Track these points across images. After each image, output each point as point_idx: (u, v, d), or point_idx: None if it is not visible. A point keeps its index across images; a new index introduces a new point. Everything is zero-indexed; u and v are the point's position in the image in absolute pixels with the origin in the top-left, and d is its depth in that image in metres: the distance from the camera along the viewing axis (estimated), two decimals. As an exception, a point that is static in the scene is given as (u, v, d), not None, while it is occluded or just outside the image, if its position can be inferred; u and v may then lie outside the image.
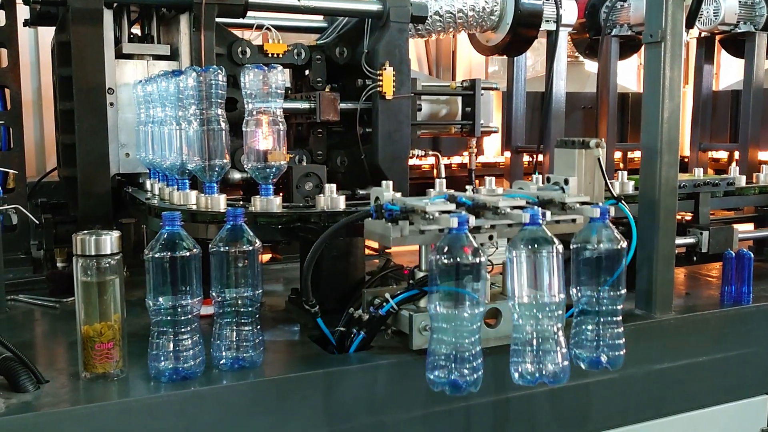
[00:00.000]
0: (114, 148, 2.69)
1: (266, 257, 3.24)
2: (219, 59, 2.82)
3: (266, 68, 2.12)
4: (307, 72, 3.10)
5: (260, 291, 1.80)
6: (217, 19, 2.74)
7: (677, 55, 2.16)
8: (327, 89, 2.91)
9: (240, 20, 2.95)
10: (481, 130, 3.16)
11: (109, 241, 1.69)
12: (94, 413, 1.59)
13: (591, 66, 5.06)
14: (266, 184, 2.14)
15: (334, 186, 2.21)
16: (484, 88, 3.24)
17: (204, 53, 2.77)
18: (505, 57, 4.34)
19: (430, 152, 3.47)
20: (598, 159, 2.14)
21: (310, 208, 2.15)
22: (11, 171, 2.62)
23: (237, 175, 2.81)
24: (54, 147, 3.19)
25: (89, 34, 2.60)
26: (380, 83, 2.75)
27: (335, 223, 1.99)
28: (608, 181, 2.17)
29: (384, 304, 1.87)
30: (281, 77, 2.13)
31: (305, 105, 2.84)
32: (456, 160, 4.27)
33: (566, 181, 2.10)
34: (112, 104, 2.68)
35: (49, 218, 2.81)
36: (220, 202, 2.15)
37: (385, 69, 2.75)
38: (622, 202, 2.20)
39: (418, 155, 3.68)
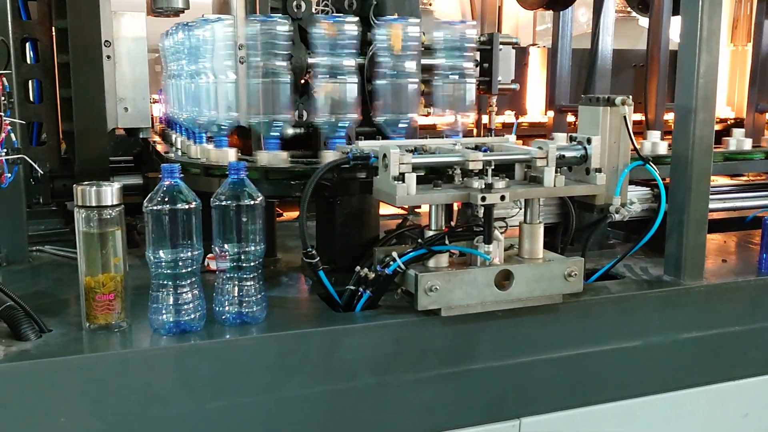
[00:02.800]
0: (111, 102, 2.67)
1: (294, 214, 3.22)
2: (273, 12, 2.76)
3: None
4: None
5: (262, 246, 1.77)
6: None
7: (717, 5, 2.01)
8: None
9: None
10: (498, 87, 3.02)
11: (110, 192, 1.68)
12: (91, 363, 1.60)
13: (644, 22, 4.82)
14: (273, 139, 2.09)
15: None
16: (502, 43, 3.09)
17: (258, 5, 2.70)
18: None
19: (448, 110, 3.35)
20: (624, 117, 2.02)
21: (319, 163, 2.10)
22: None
23: (290, 131, 2.78)
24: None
25: None
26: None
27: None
28: (634, 141, 2.05)
29: (391, 263, 1.82)
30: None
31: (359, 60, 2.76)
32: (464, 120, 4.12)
33: (589, 140, 1.99)
34: (109, 57, 2.65)
35: (47, 172, 2.82)
36: (228, 155, 2.12)
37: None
38: (650, 163, 2.08)
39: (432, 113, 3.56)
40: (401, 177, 1.78)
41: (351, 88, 2.11)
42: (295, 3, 2.78)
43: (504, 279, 1.86)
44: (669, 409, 2.14)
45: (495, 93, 3.01)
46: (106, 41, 2.60)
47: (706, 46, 2.02)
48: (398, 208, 3.35)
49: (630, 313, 2.06)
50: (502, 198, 1.79)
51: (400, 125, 2.17)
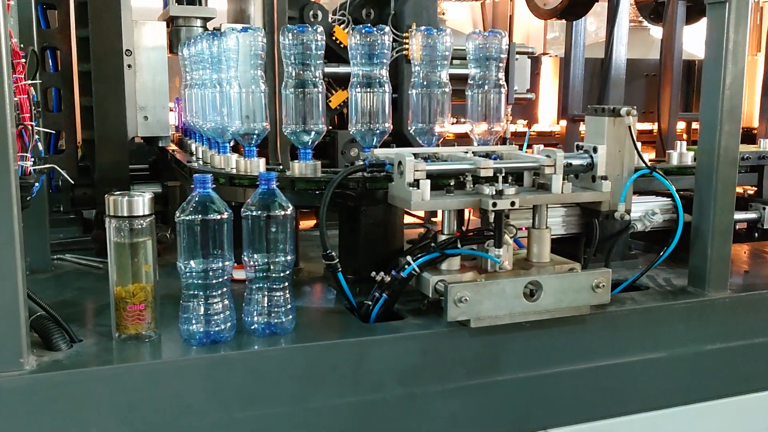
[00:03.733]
0: (132, 111, 2.68)
1: (311, 223, 3.22)
2: (291, 22, 2.78)
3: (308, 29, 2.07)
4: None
5: (292, 257, 1.77)
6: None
7: (743, 17, 2.02)
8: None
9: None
10: (515, 96, 3.04)
11: (142, 202, 1.68)
12: (122, 373, 1.60)
13: (656, 32, 4.84)
14: (305, 149, 2.10)
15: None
16: (519, 53, 3.12)
17: (276, 16, 2.72)
18: (564, 22, 4.19)
19: (462, 120, 3.37)
20: (629, 127, 2.07)
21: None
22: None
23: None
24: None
25: None
26: (406, 46, 2.67)
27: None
28: (639, 151, 2.10)
29: (406, 266, 1.86)
30: (320, 39, 2.07)
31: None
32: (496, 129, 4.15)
33: (595, 149, 2.05)
34: (130, 66, 2.67)
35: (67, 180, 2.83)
36: (259, 165, 2.13)
37: (411, 31, 2.66)
38: (657, 171, 2.11)
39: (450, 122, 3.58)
40: (416, 183, 1.84)
41: (384, 98, 2.12)
42: (312, 12, 2.80)
43: (531, 291, 1.86)
44: (693, 420, 2.14)
45: (511, 102, 3.03)
46: (127, 50, 2.62)
47: (732, 57, 2.03)
48: (414, 216, 3.37)
49: (655, 325, 2.06)
50: (512, 204, 1.85)
51: (431, 135, 2.19)
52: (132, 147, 2.82)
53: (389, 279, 1.88)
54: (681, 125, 4.52)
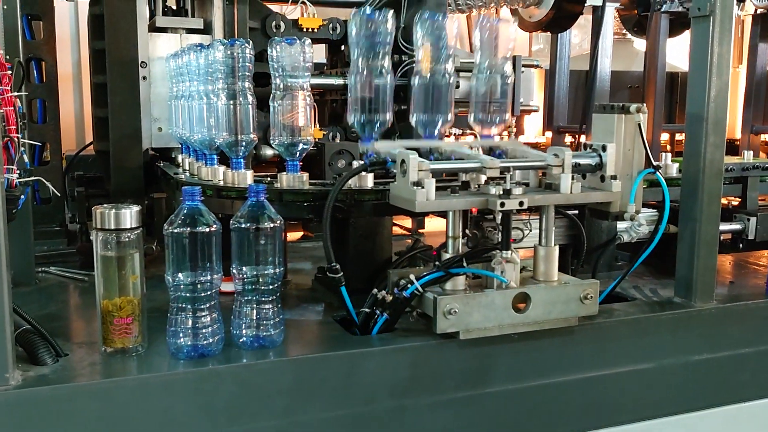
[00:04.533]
0: (147, 122, 2.69)
1: (297, 235, 3.22)
2: (252, 33, 2.78)
3: (295, 41, 2.07)
4: (342, 47, 3.04)
5: (281, 269, 1.76)
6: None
7: (727, 30, 2.04)
8: (362, 65, 2.84)
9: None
10: (520, 108, 3.06)
11: (129, 215, 1.67)
12: (109, 388, 1.58)
13: (639, 44, 4.88)
14: (293, 161, 2.09)
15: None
16: (524, 66, 3.15)
17: (237, 27, 2.74)
18: (549, 35, 4.22)
19: (468, 131, 3.39)
20: (639, 125, 2.04)
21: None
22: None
23: (269, 152, 2.77)
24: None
25: (123, 7, 2.60)
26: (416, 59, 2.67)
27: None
28: (648, 149, 2.07)
29: (408, 285, 1.82)
30: (308, 51, 2.07)
31: (339, 81, 2.77)
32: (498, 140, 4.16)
33: (604, 148, 1.99)
34: (144, 78, 2.67)
35: (82, 191, 2.83)
36: (246, 177, 2.12)
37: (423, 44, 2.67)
38: (659, 171, 2.10)
39: (455, 134, 3.60)
40: (420, 183, 1.76)
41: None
42: (274, 23, 2.81)
43: (520, 302, 1.86)
44: (682, 431, 2.14)
45: (517, 114, 3.05)
46: (142, 62, 2.62)
47: (716, 70, 2.05)
48: (401, 228, 3.36)
49: (643, 335, 2.07)
50: (521, 204, 1.78)
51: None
52: (147, 159, 2.80)
53: (390, 298, 1.84)
54: (665, 137, 4.56)
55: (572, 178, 1.89)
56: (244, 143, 2.13)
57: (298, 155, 2.10)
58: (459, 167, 1.92)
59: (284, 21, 2.81)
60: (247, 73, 2.11)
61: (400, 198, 1.83)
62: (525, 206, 1.80)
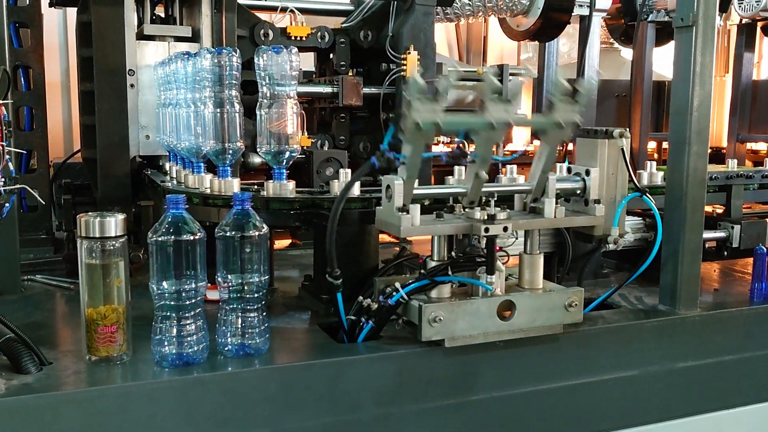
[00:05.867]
0: (134, 130, 2.68)
1: (285, 243, 3.22)
2: (240, 41, 2.79)
3: (282, 49, 2.08)
4: (331, 56, 3.05)
5: (267, 277, 1.77)
6: (240, 1, 2.71)
7: (709, 40, 2.06)
8: (351, 73, 2.86)
9: (264, 2, 2.92)
10: None
11: (114, 223, 1.67)
12: (93, 397, 1.57)
13: (627, 53, 4.93)
14: (279, 169, 2.10)
15: (349, 171, 2.16)
16: (512, 74, 3.17)
17: (225, 35, 2.75)
18: (537, 43, 4.25)
19: (456, 139, 3.40)
20: (622, 149, 2.06)
21: (324, 194, 2.11)
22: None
23: (257, 160, 2.77)
24: (81, 128, 3.20)
25: (110, 14, 2.60)
26: (404, 67, 2.69)
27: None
28: (632, 173, 2.09)
29: (394, 293, 1.82)
30: (295, 59, 2.08)
31: (328, 89, 2.79)
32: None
33: (588, 172, 2.02)
34: (132, 86, 2.67)
35: (69, 199, 2.82)
36: (233, 185, 2.13)
37: (409, 53, 2.68)
38: (647, 194, 2.11)
39: (444, 142, 3.61)
40: (405, 208, 1.78)
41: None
42: (262, 32, 2.81)
43: (505, 309, 1.86)
44: (666, 438, 2.16)
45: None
46: (130, 70, 2.62)
47: (699, 80, 2.07)
48: (389, 235, 3.37)
49: (627, 343, 2.08)
50: (505, 229, 1.80)
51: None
52: (134, 166, 2.80)
53: (376, 306, 1.84)
54: (652, 145, 4.59)
55: (557, 203, 1.91)
56: (231, 151, 2.13)
57: (284, 163, 2.10)
58: (444, 192, 1.94)
59: (273, 29, 2.82)
60: (234, 81, 2.12)
61: (386, 223, 1.85)
62: (509, 231, 1.81)
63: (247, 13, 2.85)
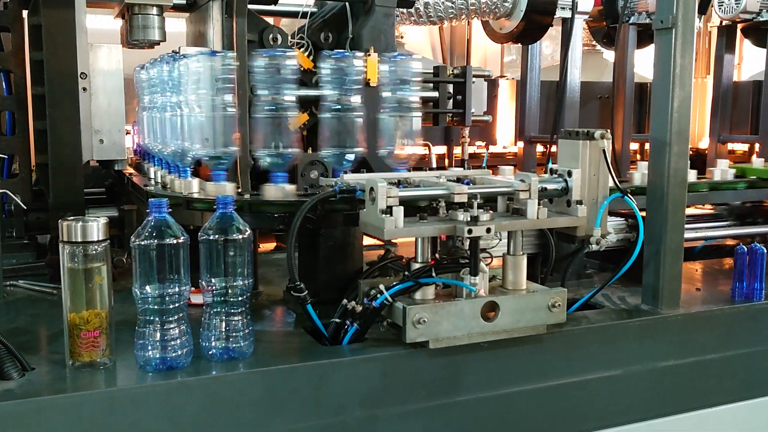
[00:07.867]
0: (87, 134, 2.64)
1: (271, 245, 3.22)
2: (249, 46, 2.76)
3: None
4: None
5: (251, 281, 1.77)
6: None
7: (689, 42, 2.09)
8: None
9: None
10: (472, 119, 3.07)
11: (96, 227, 1.66)
12: (76, 402, 1.56)
13: (609, 55, 4.96)
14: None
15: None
16: (475, 76, 3.15)
17: (236, 39, 2.71)
18: (520, 46, 4.26)
19: (421, 142, 3.39)
20: (603, 151, 2.07)
21: (307, 197, 2.11)
22: None
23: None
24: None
25: (61, 17, 2.54)
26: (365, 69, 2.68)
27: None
28: (614, 174, 2.10)
29: (378, 295, 1.83)
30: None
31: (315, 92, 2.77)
32: (457, 151, 4.18)
33: (570, 173, 2.03)
34: (85, 89, 2.64)
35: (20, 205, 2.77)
36: (226, 189, 2.12)
37: (369, 55, 2.67)
38: (628, 195, 2.13)
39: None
40: (389, 210, 1.79)
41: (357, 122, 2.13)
42: (271, 36, 2.80)
43: (489, 310, 1.87)
44: (649, 436, 2.17)
45: (468, 125, 3.06)
46: (82, 73, 2.58)
47: (679, 81, 2.09)
48: (374, 238, 3.37)
49: (610, 343, 2.09)
50: (488, 230, 1.81)
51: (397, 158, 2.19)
52: (87, 171, 2.78)
53: (360, 308, 1.85)
54: (634, 146, 4.62)
55: (539, 204, 1.92)
56: (223, 155, 2.13)
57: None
58: (426, 194, 1.94)
59: (281, 34, 2.81)
60: (228, 85, 2.11)
61: (370, 225, 1.86)
62: (492, 233, 1.82)
63: (256, 18, 2.81)
